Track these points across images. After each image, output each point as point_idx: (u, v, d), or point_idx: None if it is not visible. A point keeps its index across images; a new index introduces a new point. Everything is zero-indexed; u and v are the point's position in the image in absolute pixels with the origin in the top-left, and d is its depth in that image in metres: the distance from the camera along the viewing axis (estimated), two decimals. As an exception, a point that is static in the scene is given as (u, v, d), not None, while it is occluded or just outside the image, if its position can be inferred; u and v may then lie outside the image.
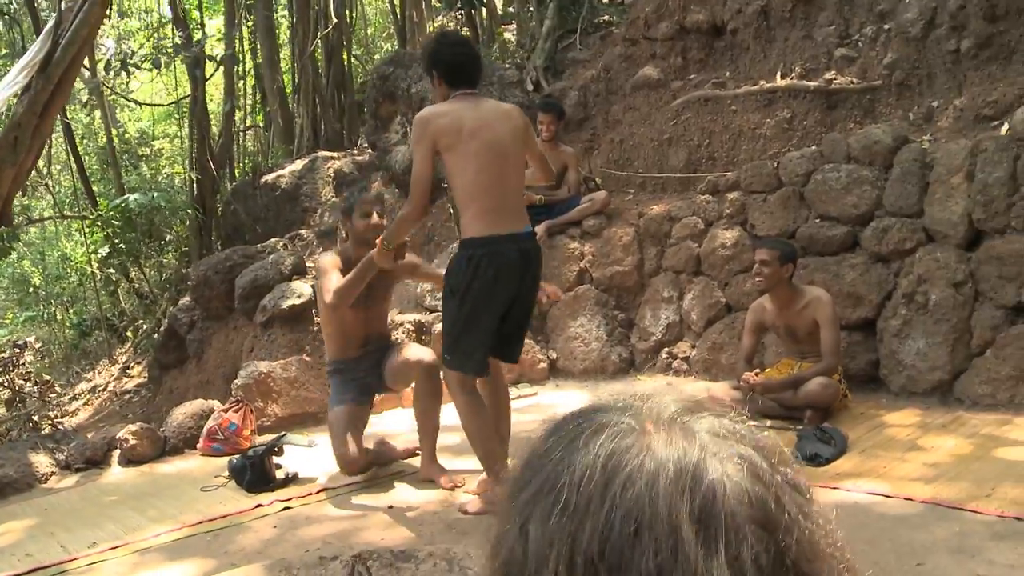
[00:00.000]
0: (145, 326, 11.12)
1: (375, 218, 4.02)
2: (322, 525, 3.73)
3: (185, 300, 8.05)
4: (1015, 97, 4.86)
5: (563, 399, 5.62)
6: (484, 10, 8.93)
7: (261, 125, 12.98)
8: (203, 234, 10.38)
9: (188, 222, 10.41)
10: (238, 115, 11.96)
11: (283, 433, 4.63)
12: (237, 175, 11.18)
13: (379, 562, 2.95)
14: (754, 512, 0.58)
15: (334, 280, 3.94)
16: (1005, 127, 4.62)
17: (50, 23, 4.63)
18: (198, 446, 5.13)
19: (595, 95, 7.10)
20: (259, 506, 4.03)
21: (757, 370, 4.65)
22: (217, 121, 11.87)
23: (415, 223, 3.95)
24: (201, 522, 3.89)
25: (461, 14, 9.32)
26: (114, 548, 3.66)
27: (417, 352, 4.27)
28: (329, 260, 4.09)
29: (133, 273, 11.99)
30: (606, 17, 8.56)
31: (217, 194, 10.56)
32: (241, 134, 12.19)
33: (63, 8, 4.52)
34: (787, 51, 6.21)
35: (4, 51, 10.89)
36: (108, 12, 5.05)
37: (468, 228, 3.42)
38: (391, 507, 3.85)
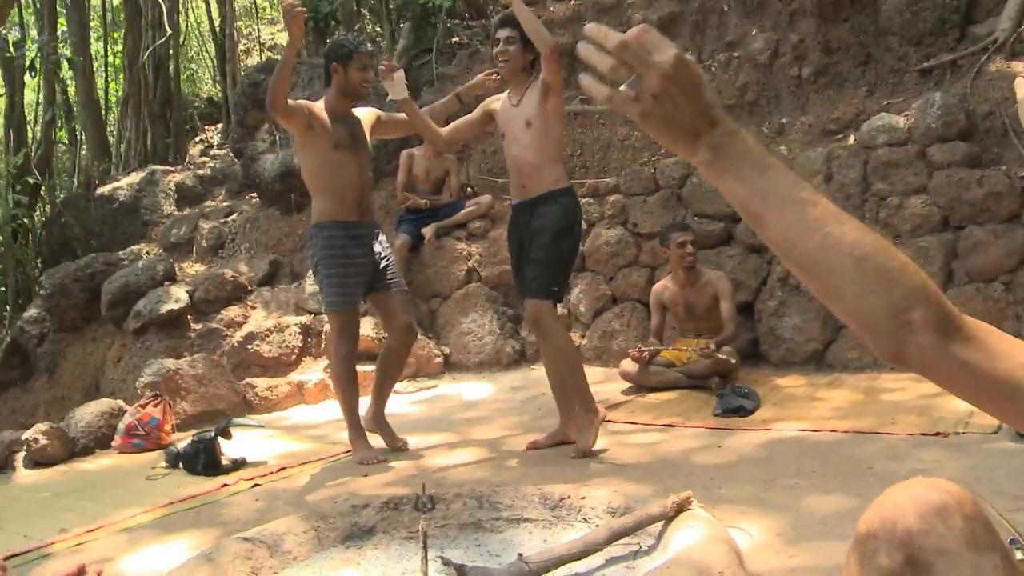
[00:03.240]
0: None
1: (370, 72, 4.14)
2: (310, 493, 3.84)
3: (32, 312, 7.60)
4: (852, 115, 5.78)
5: (465, 389, 5.95)
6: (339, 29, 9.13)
7: (65, 141, 12.30)
8: (18, 252, 9.73)
9: (2, 239, 9.73)
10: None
11: (229, 418, 4.65)
12: (57, 187, 10.58)
13: (410, 506, 3.17)
14: None
15: (300, 104, 4.12)
16: (852, 138, 5.52)
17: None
18: (114, 444, 5.00)
19: (466, 109, 7.50)
20: (225, 485, 4.07)
21: (641, 346, 5.17)
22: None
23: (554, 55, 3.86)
24: (172, 503, 3.88)
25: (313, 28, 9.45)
26: (91, 531, 3.60)
27: (409, 312, 4.49)
28: (304, 101, 4.23)
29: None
30: (457, 39, 9.02)
31: (36, 207, 9.98)
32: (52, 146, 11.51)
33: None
34: (648, 73, 6.93)
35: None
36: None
37: (564, 178, 3.98)
38: (367, 475, 4.03)
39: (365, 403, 4.49)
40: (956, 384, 0.94)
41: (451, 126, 4.29)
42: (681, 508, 2.74)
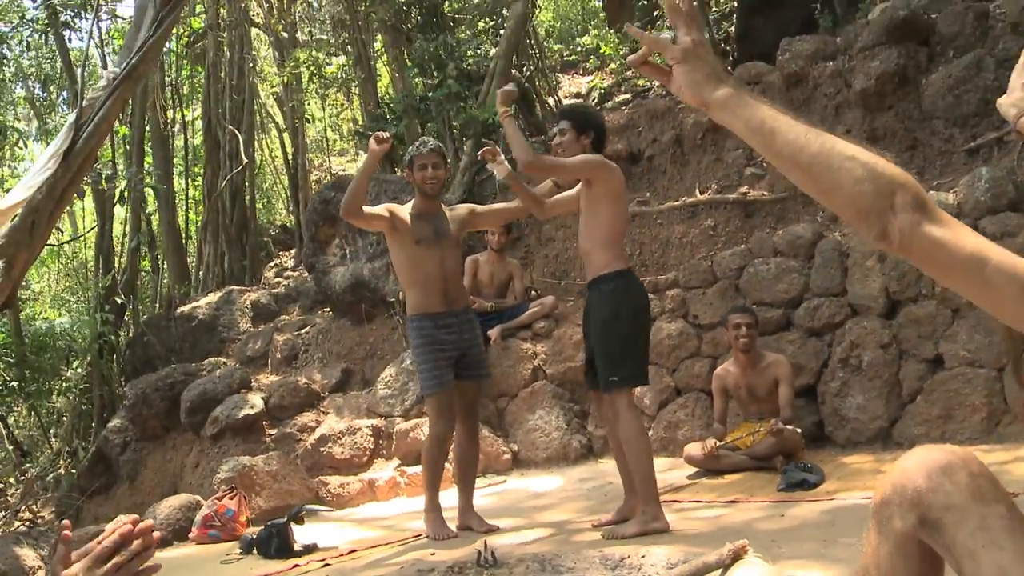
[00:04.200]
0: (34, 470, 10.60)
1: (430, 170, 4.46)
2: (379, 570, 3.92)
3: (116, 422, 7.93)
4: (904, 199, 5.87)
5: (533, 483, 5.98)
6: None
7: (148, 268, 12.95)
8: (104, 369, 10.18)
9: (90, 357, 10.21)
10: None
11: (302, 504, 4.78)
12: (140, 311, 11.12)
13: (474, 570, 3.25)
14: None
15: (380, 208, 4.45)
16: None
17: (72, 116, 4.91)
18: (191, 535, 5.16)
19: (527, 216, 7.81)
20: (296, 566, 4.18)
21: (714, 440, 5.20)
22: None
23: (535, 166, 4.07)
24: (246, 582, 4.01)
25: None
26: (169, 606, 3.72)
27: (472, 398, 4.61)
28: (386, 204, 4.57)
29: (13, 418, 11.47)
30: (516, 154, 9.41)
31: (121, 327, 10.47)
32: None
33: (84, 104, 4.82)
34: (701, 172, 7.18)
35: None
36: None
37: (619, 261, 4.04)
38: (434, 553, 4.09)
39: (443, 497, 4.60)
40: (931, 260, 1.14)
41: (553, 200, 4.49)
42: (737, 556, 2.77)
